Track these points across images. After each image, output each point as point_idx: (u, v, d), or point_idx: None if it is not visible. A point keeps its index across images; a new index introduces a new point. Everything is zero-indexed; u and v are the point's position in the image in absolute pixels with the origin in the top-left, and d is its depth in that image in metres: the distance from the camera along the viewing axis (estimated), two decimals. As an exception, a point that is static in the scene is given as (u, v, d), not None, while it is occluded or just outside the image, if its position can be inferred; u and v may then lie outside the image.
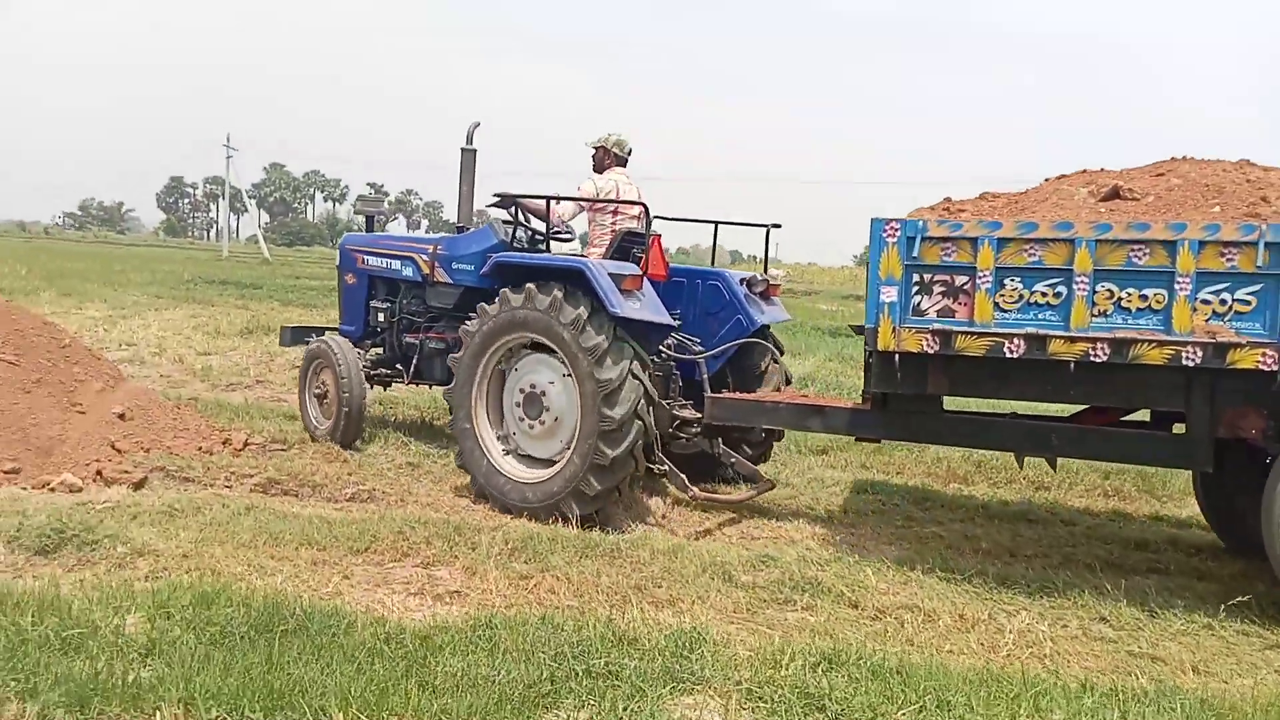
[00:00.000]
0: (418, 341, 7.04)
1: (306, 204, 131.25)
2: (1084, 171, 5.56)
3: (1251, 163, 5.19)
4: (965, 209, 5.33)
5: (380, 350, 7.48)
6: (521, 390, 5.91)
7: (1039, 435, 5.24)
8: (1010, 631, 4.20)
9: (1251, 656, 4.16)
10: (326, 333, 7.50)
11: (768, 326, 6.66)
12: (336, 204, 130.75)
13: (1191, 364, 4.36)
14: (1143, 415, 5.45)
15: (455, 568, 4.65)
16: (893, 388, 5.12)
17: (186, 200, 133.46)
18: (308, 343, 7.36)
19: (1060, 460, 6.08)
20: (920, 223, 4.77)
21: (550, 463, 5.81)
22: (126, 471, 5.68)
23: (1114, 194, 4.92)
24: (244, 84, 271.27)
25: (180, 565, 4.33)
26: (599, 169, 6.73)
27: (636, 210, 6.42)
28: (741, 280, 6.61)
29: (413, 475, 6.48)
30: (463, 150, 6.82)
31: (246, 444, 6.66)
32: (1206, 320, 4.35)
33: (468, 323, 6.03)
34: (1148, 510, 6.77)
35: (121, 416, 6.24)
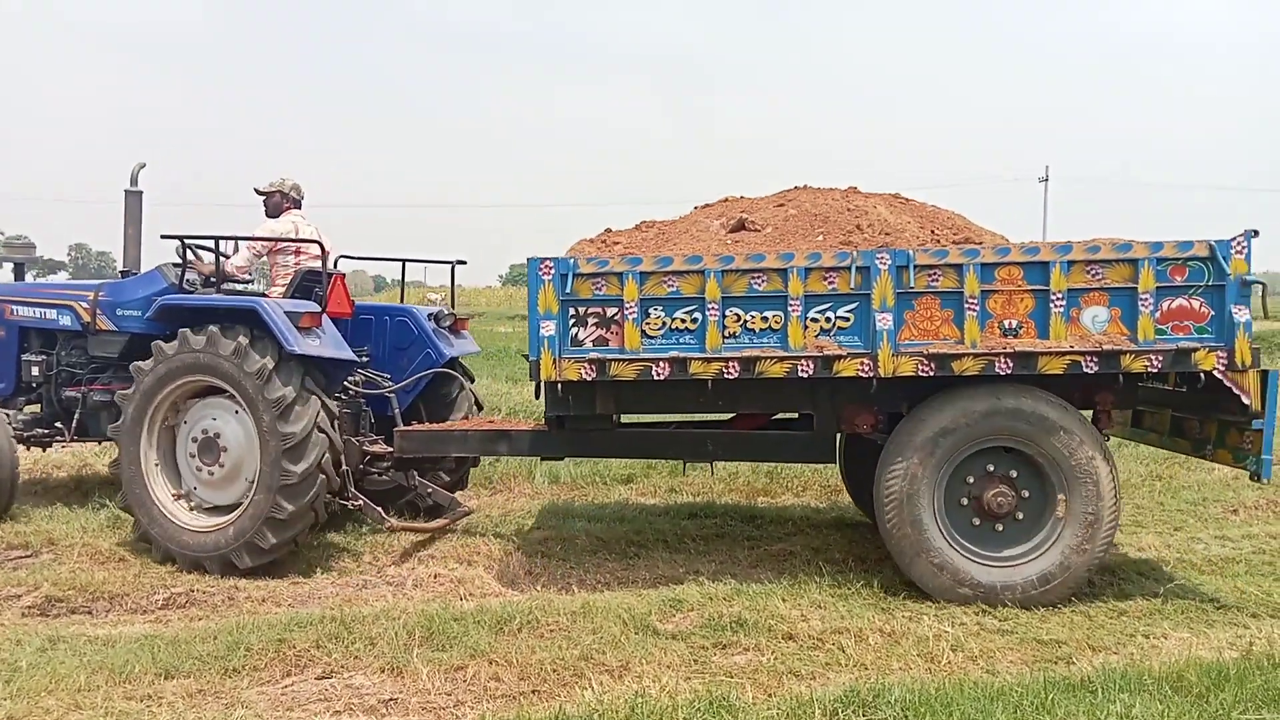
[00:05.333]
0: (80, 395, 6.58)
1: None
2: (725, 200, 6.15)
3: (857, 190, 5.96)
4: (620, 240, 5.75)
5: (36, 408, 6.90)
6: (194, 439, 5.72)
7: (699, 443, 5.75)
8: (933, 639, 4.36)
9: (1109, 627, 4.62)
10: None
11: (457, 359, 6.83)
12: None
13: (806, 375, 4.97)
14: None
15: (369, 671, 4.04)
16: (565, 410, 5.45)
17: None
18: None
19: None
20: (572, 260, 5.09)
21: (228, 510, 5.68)
22: None
23: (740, 225, 5.50)
24: None
25: None
26: (274, 214, 6.66)
27: (317, 250, 6.37)
28: (430, 315, 6.75)
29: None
30: (126, 193, 6.55)
31: None
32: (816, 336, 4.98)
33: (141, 362, 5.74)
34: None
35: None
